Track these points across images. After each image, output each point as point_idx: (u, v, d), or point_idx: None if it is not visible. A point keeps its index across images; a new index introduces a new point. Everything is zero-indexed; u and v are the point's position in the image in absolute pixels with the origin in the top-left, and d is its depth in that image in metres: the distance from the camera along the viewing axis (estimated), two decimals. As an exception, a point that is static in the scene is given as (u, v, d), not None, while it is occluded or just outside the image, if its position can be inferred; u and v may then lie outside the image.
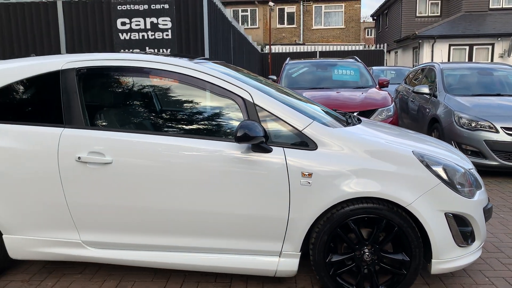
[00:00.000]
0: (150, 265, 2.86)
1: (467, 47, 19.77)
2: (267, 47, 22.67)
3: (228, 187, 2.69)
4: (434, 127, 6.85)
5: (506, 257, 3.39)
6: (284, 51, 22.17)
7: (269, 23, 21.81)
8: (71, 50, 5.87)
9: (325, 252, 2.71)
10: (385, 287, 2.73)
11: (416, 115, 7.91)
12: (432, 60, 19.88)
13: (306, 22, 29.03)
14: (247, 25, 29.11)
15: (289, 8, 29.10)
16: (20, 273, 3.23)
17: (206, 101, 2.88)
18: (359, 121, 3.31)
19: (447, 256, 2.70)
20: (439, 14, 23.63)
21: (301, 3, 28.68)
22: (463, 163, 2.95)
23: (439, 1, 23.63)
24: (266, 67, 21.04)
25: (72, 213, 2.83)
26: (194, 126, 2.83)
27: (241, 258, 2.78)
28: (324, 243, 2.70)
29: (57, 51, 5.87)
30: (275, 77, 8.24)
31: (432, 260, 2.69)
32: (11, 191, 2.86)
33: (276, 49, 22.75)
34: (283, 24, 29.35)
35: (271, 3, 21.61)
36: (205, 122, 2.84)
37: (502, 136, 5.73)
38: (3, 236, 2.95)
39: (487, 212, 2.92)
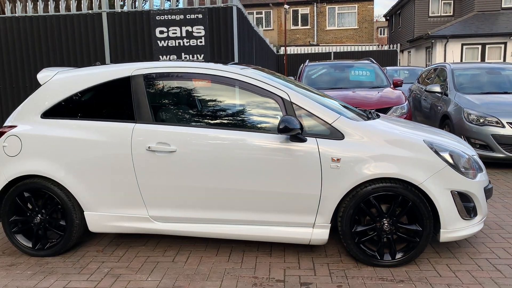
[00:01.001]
0: (205, 235, 3.46)
1: (480, 46, 20.12)
2: (282, 48, 23.26)
3: (270, 170, 3.28)
4: (446, 123, 7.36)
5: (507, 233, 3.92)
6: (298, 52, 22.72)
7: (284, 25, 22.36)
8: (114, 56, 6.53)
9: (351, 224, 3.29)
10: (402, 252, 3.30)
11: (429, 112, 8.42)
12: (445, 59, 20.26)
13: (320, 23, 29.55)
14: (262, 27, 29.72)
15: (303, 10, 29.66)
16: (93, 245, 3.87)
17: (251, 100, 3.46)
18: (378, 116, 3.88)
19: (453, 227, 3.25)
20: (451, 13, 23.98)
21: (315, 5, 29.21)
22: (467, 150, 3.50)
23: (452, 1, 23.98)
24: (281, 68, 21.62)
25: (142, 193, 3.46)
26: (241, 121, 3.42)
27: (282, 229, 3.37)
28: (350, 216, 3.27)
29: (102, 58, 6.54)
30: (292, 78, 8.82)
31: (441, 230, 3.25)
32: (92, 175, 3.49)
33: (290, 50, 23.33)
34: (297, 25, 29.91)
35: (286, 6, 22.19)
36: (250, 117, 3.43)
37: (508, 131, 6.23)
38: (84, 212, 3.58)
39: (488, 191, 3.47)
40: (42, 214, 3.64)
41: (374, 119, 3.66)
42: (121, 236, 4.07)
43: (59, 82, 3.68)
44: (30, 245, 3.66)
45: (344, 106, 3.84)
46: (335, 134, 3.28)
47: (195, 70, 3.51)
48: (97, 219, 3.58)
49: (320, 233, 3.34)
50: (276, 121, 3.37)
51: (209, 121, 3.45)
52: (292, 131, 3.16)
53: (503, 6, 22.09)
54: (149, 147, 3.38)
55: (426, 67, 19.69)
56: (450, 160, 3.26)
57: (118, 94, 3.55)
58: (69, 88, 3.63)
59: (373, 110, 4.22)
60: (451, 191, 3.22)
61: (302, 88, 3.74)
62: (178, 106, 3.52)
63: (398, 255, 3.30)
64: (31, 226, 3.67)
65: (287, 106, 3.36)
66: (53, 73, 3.76)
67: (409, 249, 3.30)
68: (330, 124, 3.29)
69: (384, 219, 3.28)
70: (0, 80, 6.74)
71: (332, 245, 3.73)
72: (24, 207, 3.65)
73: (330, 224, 3.33)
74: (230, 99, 3.51)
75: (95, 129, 3.50)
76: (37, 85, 6.72)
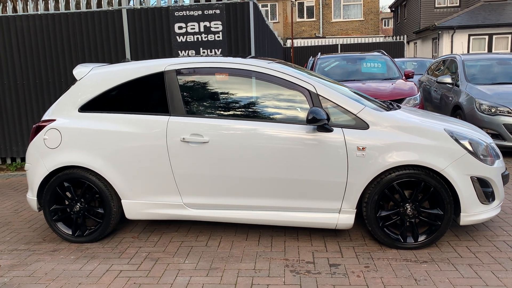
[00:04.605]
0: (236, 220, 3.66)
1: (487, 37, 20.13)
2: (288, 41, 23.35)
3: (298, 159, 3.47)
4: (457, 113, 7.52)
5: (521, 217, 4.11)
6: (304, 44, 22.80)
7: (291, 18, 22.43)
8: (134, 52, 6.71)
9: (375, 209, 3.48)
10: (424, 235, 3.48)
11: (439, 103, 8.56)
12: (451, 50, 20.31)
13: (325, 15, 29.56)
14: (268, 20, 29.77)
15: (308, 2, 29.66)
16: (128, 232, 4.08)
17: (278, 93, 3.64)
18: (399, 107, 4.06)
19: (473, 211, 3.43)
20: (458, 4, 23.94)
21: (320, -3, 29.21)
22: (485, 138, 3.67)
23: (458, -8, 23.93)
24: (288, 61, 21.74)
25: (176, 181, 3.65)
26: (270, 113, 3.60)
27: (310, 214, 3.56)
28: (375, 201, 3.46)
29: (123, 53, 6.71)
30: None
31: (461, 214, 3.43)
32: (129, 165, 3.69)
33: (296, 43, 23.41)
34: (303, 17, 29.94)
35: (292, -1, 22.25)
36: (278, 109, 3.61)
37: (519, 120, 6.38)
38: (122, 201, 3.79)
39: (505, 177, 3.64)
40: (81, 203, 3.85)
41: (395, 109, 3.83)
42: (154, 223, 4.29)
43: (95, 77, 3.87)
44: (70, 232, 3.88)
45: (366, 98, 4.01)
46: (360, 124, 3.46)
47: (227, 65, 3.69)
48: (134, 207, 3.78)
49: (346, 218, 3.53)
50: (302, 113, 3.55)
51: (239, 113, 3.63)
52: (319, 122, 3.34)
53: (510, -4, 22.05)
54: (183, 138, 3.57)
55: (433, 58, 19.76)
56: (470, 148, 3.43)
57: (152, 89, 3.74)
58: (105, 83, 3.82)
59: (389, 101, 4.38)
60: (470, 177, 3.40)
61: (326, 81, 3.92)
62: (209, 99, 3.70)
63: (421, 238, 3.49)
64: (71, 214, 3.88)
65: (314, 98, 3.54)
66: (88, 69, 3.95)
67: (431, 232, 3.49)
68: (355, 115, 3.47)
69: (407, 204, 3.46)
70: (24, 77, 6.95)
71: (355, 230, 3.92)
72: (64, 196, 3.86)
73: (355, 210, 3.52)
74: (259, 92, 3.68)
75: (131, 122, 3.69)
76: (59, 80, 6.92)
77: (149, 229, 4.14)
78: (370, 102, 3.88)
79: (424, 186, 3.42)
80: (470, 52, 20.36)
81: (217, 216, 3.68)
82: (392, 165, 3.37)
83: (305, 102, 3.56)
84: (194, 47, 6.60)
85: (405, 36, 22.49)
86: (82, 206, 3.85)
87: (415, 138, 3.40)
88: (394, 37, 22.42)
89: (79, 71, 3.96)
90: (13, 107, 7.05)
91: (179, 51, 6.61)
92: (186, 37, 6.57)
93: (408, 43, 27.69)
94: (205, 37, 6.54)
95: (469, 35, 20.26)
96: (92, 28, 6.72)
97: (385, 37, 24.75)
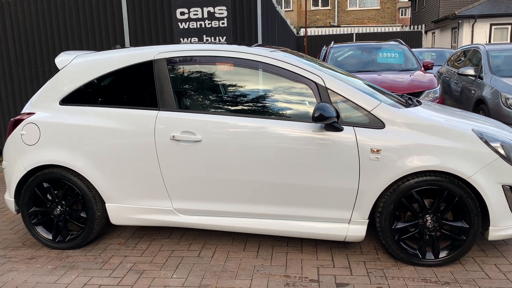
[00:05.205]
0: (233, 229, 3.25)
1: (509, 26, 19.29)
2: (302, 30, 22.73)
3: (303, 162, 3.04)
4: (480, 108, 6.97)
5: (557, 229, 3.61)
6: (319, 33, 22.17)
7: (305, 6, 21.81)
8: (134, 39, 6.31)
9: (391, 220, 3.04)
10: (446, 250, 3.04)
11: (459, 96, 8.01)
12: (472, 40, 19.52)
13: (340, 3, 28.79)
14: (280, 8, 29.12)
15: (323, -10, 28.91)
16: (115, 238, 3.71)
17: (282, 86, 3.20)
18: (419, 103, 3.58)
19: (504, 224, 2.97)
20: (479, -8, 22.97)
21: (336, -15, 28.43)
22: (517, 140, 3.19)
23: (480, -21, 22.96)
24: (301, 50, 21.15)
25: (166, 184, 3.26)
26: (272, 109, 3.17)
27: (315, 224, 3.14)
28: (390, 211, 3.02)
29: (121, 40, 6.32)
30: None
31: (490, 228, 2.97)
32: (113, 165, 3.30)
33: (310, 32, 22.77)
34: (317, 6, 29.21)
35: (306, -14, 21.56)
36: (282, 104, 3.17)
37: (550, 117, 5.83)
38: (106, 204, 3.41)
39: (541, 185, 3.15)
40: (62, 206, 3.48)
41: (415, 106, 3.36)
42: (144, 227, 3.91)
43: (78, 66, 3.47)
44: (51, 237, 3.52)
45: (382, 92, 3.55)
46: (374, 123, 3.00)
47: (223, 53, 3.26)
48: (120, 211, 3.40)
49: (357, 230, 3.10)
50: (309, 109, 3.11)
51: (237, 108, 3.21)
52: (327, 120, 2.89)
53: (534, -17, 21.06)
54: (173, 136, 3.17)
55: (452, 48, 19.02)
56: (502, 152, 2.96)
57: (140, 80, 3.33)
58: (89, 73, 3.42)
59: (408, 96, 3.91)
60: (502, 185, 2.93)
61: (338, 72, 3.46)
62: (203, 93, 3.28)
63: (442, 254, 3.04)
64: (51, 217, 3.52)
65: (322, 92, 3.09)
66: (71, 57, 3.55)
67: (454, 247, 3.04)
68: (369, 112, 3.02)
69: (427, 215, 3.02)
70: (19, 64, 6.61)
71: (367, 241, 3.49)
72: (43, 198, 3.50)
73: (367, 220, 3.09)
74: (260, 84, 3.25)
75: (116, 116, 3.29)
76: (56, 69, 6.56)
77: (138, 235, 3.76)
78: (386, 97, 3.42)
79: (447, 195, 2.97)
80: (492, 42, 19.54)
81: (211, 223, 3.28)
82: (411, 171, 2.92)
83: (312, 96, 3.12)
84: (197, 34, 6.17)
85: (423, 25, 21.65)
86: (63, 209, 3.48)
87: (438, 140, 2.94)
88: (412, 27, 21.63)
89: (62, 59, 3.57)
90: (8, 97, 6.72)
91: (181, 39, 6.18)
92: (189, 24, 6.14)
93: (426, 33, 26.81)
94: (208, 24, 6.10)
95: (491, 25, 19.43)
96: (89, 13, 6.32)
97: (402, 26, 23.95)
